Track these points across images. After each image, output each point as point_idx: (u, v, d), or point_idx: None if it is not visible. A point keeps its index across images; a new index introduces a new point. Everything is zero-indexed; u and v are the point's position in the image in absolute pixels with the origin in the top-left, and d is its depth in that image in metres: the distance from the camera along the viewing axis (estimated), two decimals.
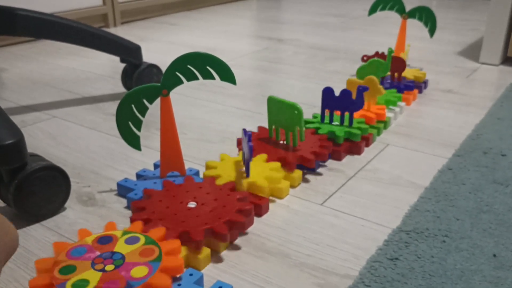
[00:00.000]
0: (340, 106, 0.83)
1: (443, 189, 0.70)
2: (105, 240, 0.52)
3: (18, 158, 0.61)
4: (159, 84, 0.65)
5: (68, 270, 0.48)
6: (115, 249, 0.51)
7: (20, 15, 0.95)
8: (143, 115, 0.66)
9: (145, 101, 0.65)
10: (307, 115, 1.00)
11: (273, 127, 0.79)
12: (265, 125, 0.95)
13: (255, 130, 0.88)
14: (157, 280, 0.47)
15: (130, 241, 0.52)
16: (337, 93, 0.83)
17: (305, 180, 0.74)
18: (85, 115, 1.01)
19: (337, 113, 0.89)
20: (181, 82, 0.65)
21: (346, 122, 0.84)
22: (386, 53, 1.16)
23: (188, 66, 0.64)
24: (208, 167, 0.72)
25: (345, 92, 0.82)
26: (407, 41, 1.28)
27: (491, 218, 0.63)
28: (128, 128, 0.66)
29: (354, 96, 0.83)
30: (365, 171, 0.77)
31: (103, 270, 0.48)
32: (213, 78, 0.65)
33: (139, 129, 0.67)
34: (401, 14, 1.19)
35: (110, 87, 1.19)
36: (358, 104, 0.82)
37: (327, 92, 0.83)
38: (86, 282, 0.46)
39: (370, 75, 0.90)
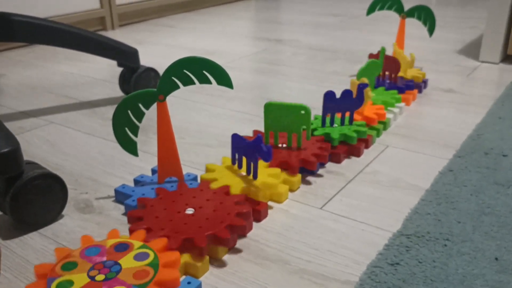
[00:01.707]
0: (342, 107, 0.83)
1: (444, 191, 0.69)
2: (122, 247, 0.52)
3: (14, 167, 0.60)
4: (155, 90, 0.64)
5: (68, 267, 0.49)
6: (120, 261, 0.50)
7: (16, 21, 0.94)
8: (140, 121, 0.66)
9: (141, 106, 0.65)
10: None
11: (270, 132, 0.78)
12: (262, 128, 0.94)
13: (254, 133, 0.87)
14: (165, 275, 0.48)
15: (139, 257, 0.51)
16: (338, 94, 0.83)
17: (305, 184, 0.74)
18: (83, 121, 1.00)
19: (337, 115, 0.88)
20: (178, 87, 0.64)
21: (346, 122, 0.84)
22: (389, 52, 1.15)
23: (184, 70, 0.64)
24: (211, 179, 0.70)
25: (346, 92, 0.81)
26: (406, 40, 1.27)
27: (492, 221, 0.62)
28: (124, 134, 0.66)
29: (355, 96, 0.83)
30: (365, 174, 0.76)
31: (92, 278, 0.48)
32: (209, 82, 0.64)
33: (135, 135, 0.67)
34: (399, 13, 1.18)
35: (108, 91, 1.19)
36: (358, 102, 0.82)
37: (329, 96, 0.83)
38: (70, 283, 0.46)
39: (363, 78, 0.90)
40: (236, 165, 0.71)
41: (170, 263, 0.50)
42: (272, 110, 0.76)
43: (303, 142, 0.78)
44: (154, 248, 0.52)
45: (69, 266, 0.49)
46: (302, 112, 0.74)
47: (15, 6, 1.55)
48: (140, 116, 0.65)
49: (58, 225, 0.65)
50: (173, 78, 0.64)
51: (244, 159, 0.71)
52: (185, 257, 0.55)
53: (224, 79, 0.64)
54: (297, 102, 1.07)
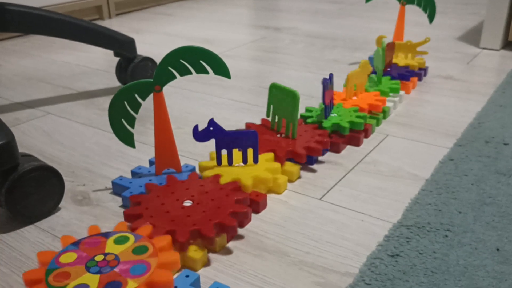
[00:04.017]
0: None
1: (444, 181, 0.68)
2: (93, 243, 0.51)
3: (10, 160, 0.59)
4: (151, 80, 0.63)
5: (62, 277, 0.47)
6: (106, 250, 0.49)
7: (10, 11, 0.93)
8: (136, 112, 0.65)
9: (137, 97, 0.64)
10: (305, 105, 0.98)
11: (276, 117, 0.78)
12: (261, 118, 0.93)
13: (253, 122, 0.86)
14: (158, 276, 0.46)
15: (120, 241, 0.51)
16: (336, 83, 0.82)
17: (304, 174, 0.73)
18: (80, 111, 0.99)
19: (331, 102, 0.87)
20: (174, 77, 0.63)
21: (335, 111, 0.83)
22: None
23: (181, 60, 0.63)
24: (204, 168, 0.70)
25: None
26: (406, 27, 1.25)
27: (494, 211, 0.61)
28: (121, 125, 0.65)
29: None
30: (365, 163, 0.76)
31: (99, 272, 0.47)
32: (206, 72, 0.63)
33: (132, 126, 0.66)
34: (399, 0, 1.16)
35: (105, 81, 1.18)
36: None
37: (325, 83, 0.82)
38: (86, 286, 0.45)
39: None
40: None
41: (166, 264, 0.49)
42: (275, 93, 0.75)
43: (303, 133, 0.77)
44: (155, 244, 0.51)
45: (62, 276, 0.48)
46: (293, 97, 0.73)
47: None
48: (136, 107, 0.64)
49: (55, 217, 0.64)
50: (169, 68, 0.63)
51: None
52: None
53: (221, 69, 0.63)
54: (296, 90, 1.06)
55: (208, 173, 0.66)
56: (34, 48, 1.50)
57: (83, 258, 0.48)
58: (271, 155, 0.70)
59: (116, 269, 0.47)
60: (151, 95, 0.64)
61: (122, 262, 0.48)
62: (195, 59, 0.62)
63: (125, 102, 0.64)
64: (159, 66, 0.62)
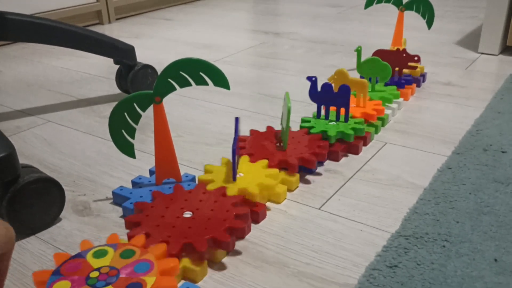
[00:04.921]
0: (328, 101, 0.82)
1: (442, 190, 0.69)
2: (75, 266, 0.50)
3: (10, 172, 0.60)
4: (151, 92, 0.64)
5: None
6: (95, 267, 0.50)
7: (9, 19, 0.93)
8: (137, 123, 0.65)
9: (138, 108, 0.64)
10: (304, 112, 0.99)
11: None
12: (261, 125, 0.93)
13: (254, 129, 0.87)
14: (161, 283, 0.48)
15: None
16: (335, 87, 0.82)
17: (303, 183, 0.73)
18: (80, 119, 1.00)
19: (333, 109, 0.87)
20: (174, 89, 0.64)
21: (341, 119, 0.83)
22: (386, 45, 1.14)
23: (181, 72, 0.63)
24: (206, 170, 0.71)
25: (326, 86, 0.80)
26: (405, 32, 1.26)
27: (491, 220, 0.62)
28: (121, 136, 0.65)
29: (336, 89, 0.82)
30: (363, 172, 0.76)
31: (108, 284, 0.47)
32: (206, 83, 0.64)
33: (132, 137, 0.66)
34: (398, 6, 1.17)
35: (105, 88, 1.18)
36: (345, 99, 0.80)
37: (312, 85, 0.83)
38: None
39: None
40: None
41: (168, 270, 0.49)
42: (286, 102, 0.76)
43: (301, 139, 0.78)
44: (154, 254, 0.51)
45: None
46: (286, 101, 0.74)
47: (9, 0, 1.53)
48: (136, 118, 0.65)
49: (56, 228, 0.65)
50: (169, 80, 0.63)
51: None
52: (184, 262, 0.54)
53: (220, 80, 0.64)
54: (294, 97, 1.07)
55: (214, 186, 0.67)
56: (34, 54, 1.50)
57: (78, 281, 0.48)
58: (275, 170, 0.70)
59: (122, 275, 0.48)
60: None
61: (121, 268, 0.49)
62: (195, 71, 0.63)
63: (125, 113, 0.64)
64: (159, 78, 0.63)
